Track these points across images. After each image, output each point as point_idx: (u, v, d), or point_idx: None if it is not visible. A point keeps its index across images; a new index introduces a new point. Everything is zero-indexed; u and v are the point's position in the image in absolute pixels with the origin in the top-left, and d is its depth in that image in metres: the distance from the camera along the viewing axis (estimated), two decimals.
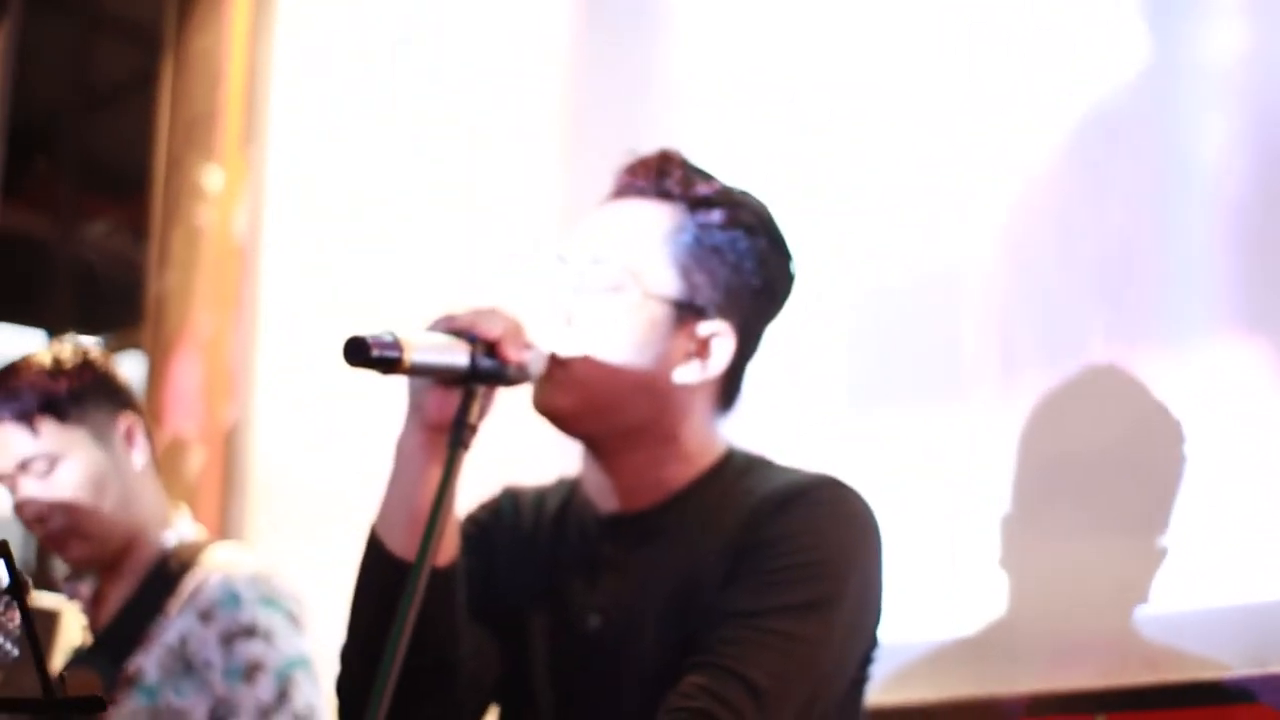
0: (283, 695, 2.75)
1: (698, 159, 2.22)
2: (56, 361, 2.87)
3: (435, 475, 1.94)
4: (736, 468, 2.18)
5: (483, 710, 2.20)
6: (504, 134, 3.98)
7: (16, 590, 2.39)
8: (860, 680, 2.18)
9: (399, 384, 2.04)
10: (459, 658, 2.07)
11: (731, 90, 3.41)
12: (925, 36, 3.08)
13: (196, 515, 4.51)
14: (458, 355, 1.96)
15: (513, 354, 1.98)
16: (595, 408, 2.11)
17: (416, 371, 1.93)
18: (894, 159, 3.09)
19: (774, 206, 2.23)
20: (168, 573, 2.88)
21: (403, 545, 2.00)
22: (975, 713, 2.71)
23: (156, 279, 5.01)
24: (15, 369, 2.87)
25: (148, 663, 2.81)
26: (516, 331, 2.00)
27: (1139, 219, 2.77)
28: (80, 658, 2.89)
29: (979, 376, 2.93)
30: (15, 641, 2.30)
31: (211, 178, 4.87)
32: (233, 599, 2.80)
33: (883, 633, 2.36)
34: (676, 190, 2.16)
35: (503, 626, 2.18)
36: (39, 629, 3.11)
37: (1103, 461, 2.69)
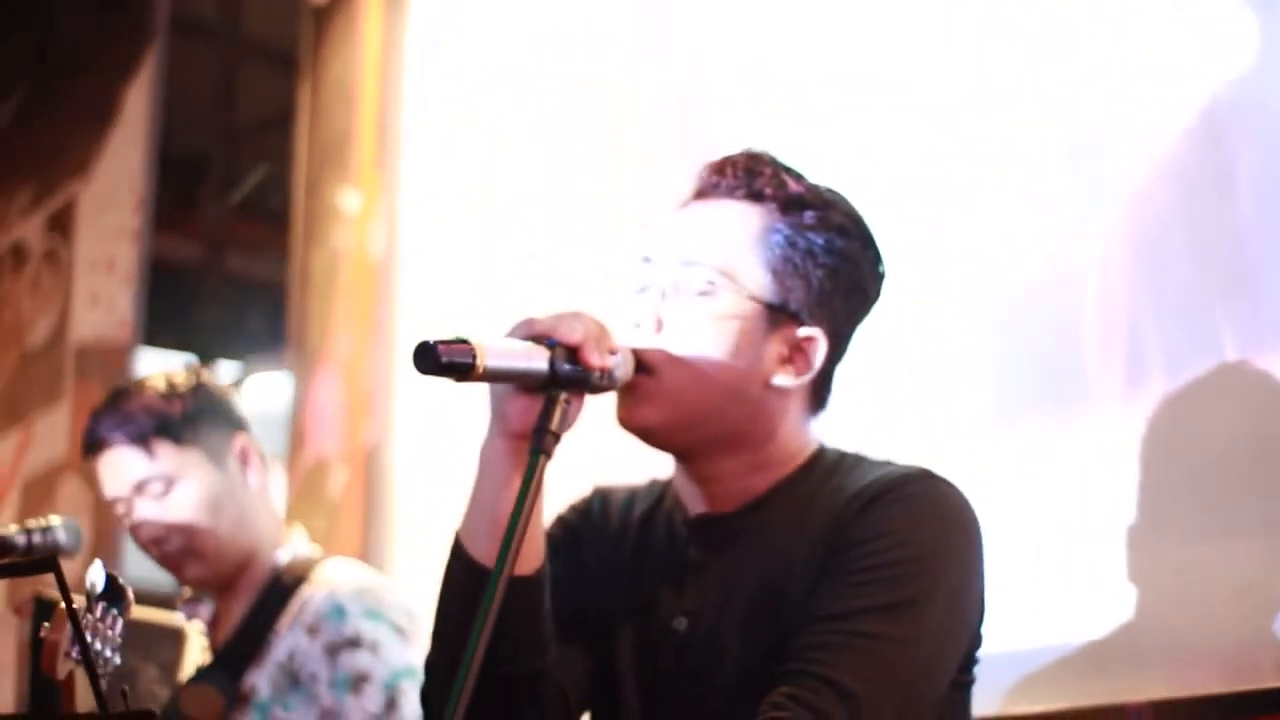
0: (390, 705, 2.75)
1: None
2: (170, 384, 2.91)
3: (518, 483, 1.90)
4: (826, 466, 2.12)
5: (573, 717, 2.15)
6: (635, 147, 3.96)
7: (115, 601, 2.43)
8: (963, 682, 2.10)
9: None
10: (546, 666, 2.03)
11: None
12: (1034, 22, 3.02)
13: (339, 534, 4.61)
14: (536, 361, 1.92)
15: (595, 359, 1.93)
16: (686, 420, 2.05)
17: (492, 377, 1.90)
18: (1012, 160, 3.02)
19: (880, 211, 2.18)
20: (280, 590, 2.90)
21: (486, 552, 1.97)
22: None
23: (298, 302, 5.07)
24: (129, 392, 2.92)
25: (260, 680, 2.83)
26: (600, 336, 1.95)
27: (1269, 213, 2.67)
28: (200, 675, 2.92)
29: (1104, 381, 2.84)
30: (116, 650, 2.33)
31: (348, 200, 4.92)
32: (338, 612, 2.81)
33: (1003, 638, 2.30)
34: (767, 190, 2.11)
35: (591, 631, 2.15)
36: (166, 644, 3.17)
37: (1227, 464, 2.59)
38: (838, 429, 2.23)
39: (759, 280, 2.07)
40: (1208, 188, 2.75)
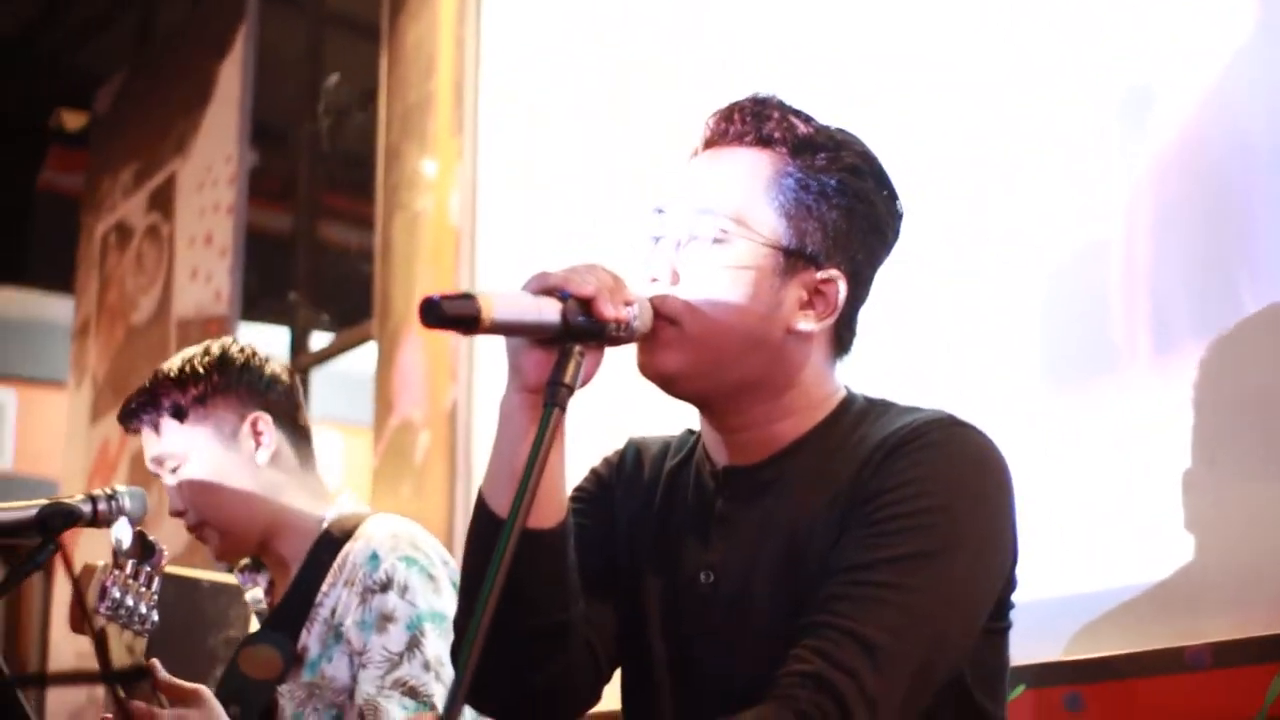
0: (412, 645, 2.77)
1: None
2: (182, 367, 2.98)
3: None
4: (853, 414, 2.08)
5: (602, 673, 2.13)
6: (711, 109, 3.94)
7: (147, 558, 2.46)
8: (997, 629, 2.06)
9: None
10: (572, 620, 2.02)
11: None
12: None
13: (425, 496, 4.65)
14: (548, 313, 1.91)
15: (609, 310, 1.91)
16: (706, 366, 2.03)
17: (500, 330, 1.89)
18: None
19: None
20: (328, 549, 2.93)
21: (505, 506, 1.96)
22: (1162, 663, 2.60)
23: (382, 269, 5.11)
24: (155, 375, 3.01)
25: (310, 640, 2.87)
26: (614, 287, 1.93)
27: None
28: (258, 636, 2.95)
29: (1148, 337, 2.81)
30: (153, 606, 2.37)
31: (427, 167, 4.95)
32: (373, 558, 2.84)
33: (1064, 583, 2.26)
34: (776, 134, 2.07)
35: (620, 586, 2.14)
36: (234, 604, 3.21)
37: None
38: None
39: (773, 225, 2.03)
40: (1224, 152, 2.72)
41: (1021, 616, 2.13)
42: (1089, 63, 2.97)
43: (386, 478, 4.87)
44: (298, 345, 6.08)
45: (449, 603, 2.81)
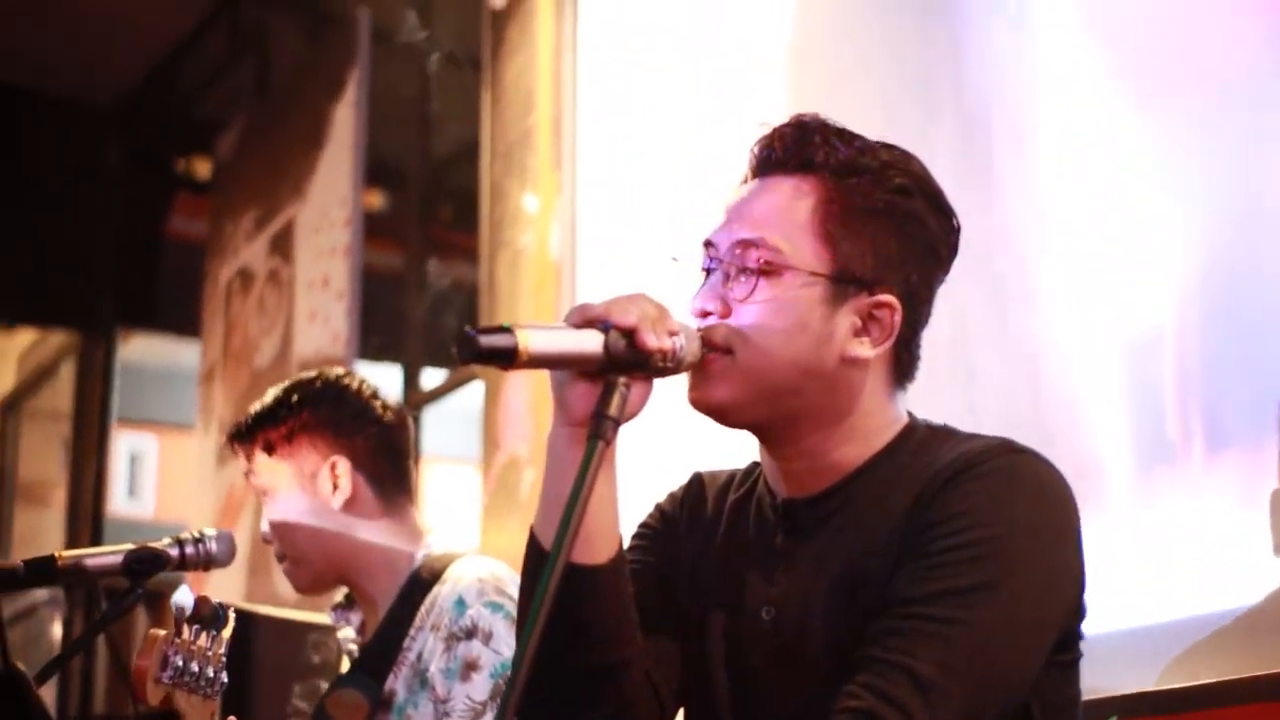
0: (496, 694, 2.75)
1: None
2: (278, 398, 3.00)
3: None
4: (914, 443, 2.03)
5: (666, 710, 2.09)
6: None
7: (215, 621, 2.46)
8: (1064, 661, 1.99)
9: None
10: (629, 657, 1.99)
11: None
12: None
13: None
14: (589, 345, 1.89)
15: (652, 341, 1.89)
16: (758, 395, 1.99)
17: (540, 364, 1.88)
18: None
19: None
20: (416, 592, 2.93)
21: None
22: (1254, 691, 2.52)
23: (487, 304, 5.12)
24: (256, 405, 3.04)
25: (398, 684, 2.87)
26: (658, 318, 1.91)
27: None
28: (345, 679, 2.95)
29: None
30: (220, 669, 2.36)
31: (528, 201, 4.95)
32: (459, 604, 2.83)
33: (1157, 611, 2.19)
34: (818, 158, 2.03)
35: (683, 620, 2.11)
36: (327, 647, 3.21)
37: None
38: None
39: (820, 252, 2.00)
40: None
41: (1110, 645, 2.07)
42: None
43: (495, 514, 4.87)
44: (410, 383, 6.11)
45: None
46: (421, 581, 2.94)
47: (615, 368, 1.90)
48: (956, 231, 2.09)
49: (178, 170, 8.51)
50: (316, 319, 6.37)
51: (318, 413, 2.99)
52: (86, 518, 8.22)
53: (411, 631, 2.89)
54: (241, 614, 3.08)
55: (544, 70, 4.94)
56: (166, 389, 9.42)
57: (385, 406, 3.06)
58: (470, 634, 2.79)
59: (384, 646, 2.91)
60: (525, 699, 1.72)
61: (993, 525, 1.88)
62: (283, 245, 6.82)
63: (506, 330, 1.83)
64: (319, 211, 6.50)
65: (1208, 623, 2.67)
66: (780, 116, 3.45)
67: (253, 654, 3.45)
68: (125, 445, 9.45)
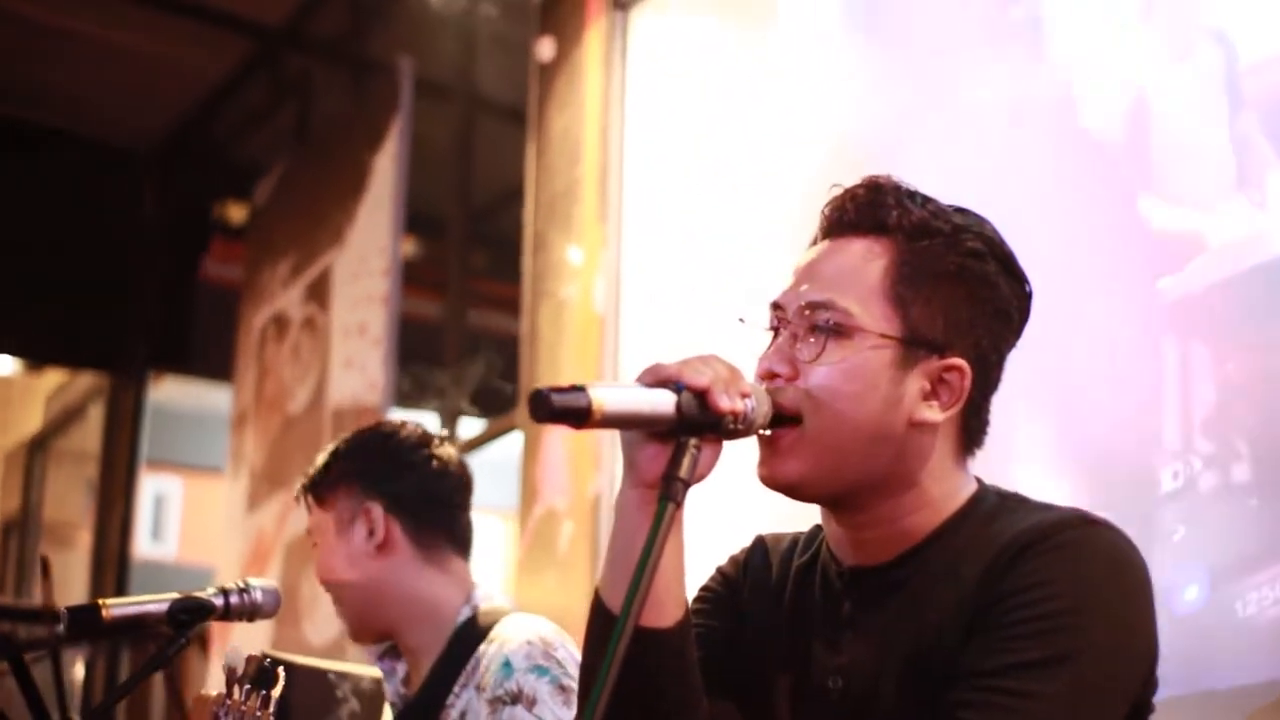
0: None
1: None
2: (330, 449, 2.99)
3: None
4: (984, 512, 2.00)
5: None
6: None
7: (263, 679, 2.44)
8: None
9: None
10: None
11: None
12: None
13: (568, 586, 4.60)
14: (661, 406, 1.86)
15: (724, 402, 1.86)
16: (829, 467, 1.96)
17: (612, 424, 1.85)
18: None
19: None
20: (462, 648, 2.90)
21: (622, 604, 1.91)
22: None
23: (529, 355, 5.10)
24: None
25: None
26: (730, 379, 1.88)
27: None
28: None
29: None
30: None
31: (572, 253, 4.94)
32: (505, 667, 2.79)
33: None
34: (890, 220, 2.01)
35: (747, 686, 2.07)
36: (373, 697, 3.19)
37: None
38: None
39: (891, 315, 1.97)
40: None
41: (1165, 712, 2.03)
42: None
43: (531, 567, 4.84)
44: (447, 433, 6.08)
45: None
46: (467, 638, 2.91)
47: (687, 429, 1.87)
48: (1029, 296, 2.06)
49: (213, 215, 8.52)
50: (353, 366, 6.36)
51: (354, 461, 2.99)
52: (112, 560, 8.21)
53: (456, 689, 2.86)
54: (276, 662, 3.06)
55: (591, 123, 4.94)
56: (194, 432, 9.43)
57: (433, 455, 3.03)
58: (515, 699, 2.76)
59: (427, 702, 2.88)
60: None
61: (1066, 598, 1.86)
62: (319, 292, 6.82)
63: (580, 390, 1.81)
64: (357, 259, 6.49)
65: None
66: (824, 173, 3.45)
67: (289, 702, 3.43)
68: (150, 487, 9.44)
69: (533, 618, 2.95)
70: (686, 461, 1.85)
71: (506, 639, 2.85)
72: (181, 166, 8.24)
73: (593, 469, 4.66)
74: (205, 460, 9.46)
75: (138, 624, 2.72)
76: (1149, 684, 1.96)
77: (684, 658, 1.95)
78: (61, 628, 2.66)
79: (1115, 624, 1.89)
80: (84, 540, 8.76)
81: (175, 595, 2.74)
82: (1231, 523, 2.86)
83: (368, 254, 6.41)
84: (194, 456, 9.68)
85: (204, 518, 9.50)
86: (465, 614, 2.94)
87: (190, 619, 2.73)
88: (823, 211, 2.09)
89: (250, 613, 2.80)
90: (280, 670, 2.50)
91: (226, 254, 8.32)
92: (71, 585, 8.73)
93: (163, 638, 2.73)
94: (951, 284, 1.99)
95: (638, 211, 4.73)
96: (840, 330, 1.97)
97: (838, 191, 2.09)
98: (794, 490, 2.00)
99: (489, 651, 2.85)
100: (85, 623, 2.70)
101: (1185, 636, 2.76)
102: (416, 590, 2.96)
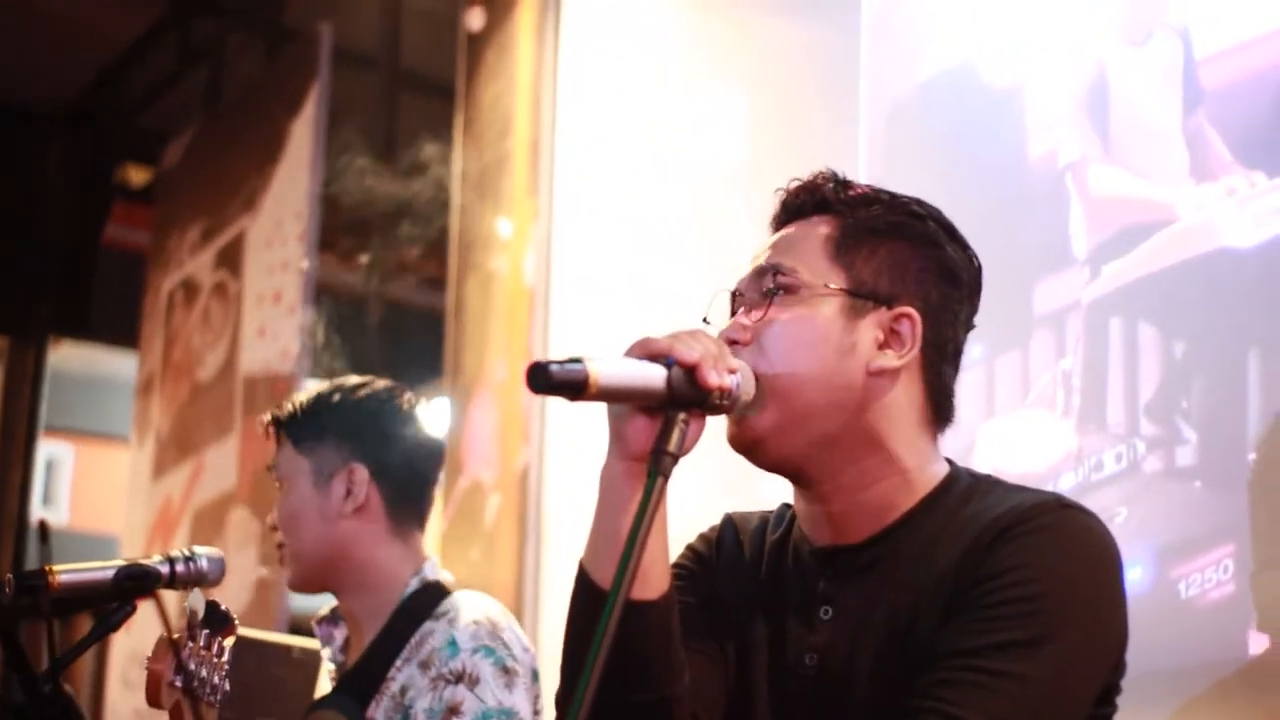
0: None
1: None
2: (321, 394, 2.97)
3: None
4: (958, 493, 2.04)
5: None
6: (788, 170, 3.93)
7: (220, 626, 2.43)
8: (1102, 716, 2.00)
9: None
10: (678, 694, 1.97)
11: None
12: None
13: (494, 559, 4.59)
14: (653, 380, 1.87)
15: (713, 378, 1.88)
16: (792, 420, 1.99)
17: (606, 397, 1.86)
18: None
19: None
20: (407, 621, 2.89)
21: (609, 577, 1.91)
22: None
23: (455, 328, 5.08)
24: (307, 394, 3.02)
25: (378, 713, 2.82)
26: (719, 355, 1.91)
27: None
28: (327, 701, 2.90)
29: None
30: (225, 676, 2.32)
31: (501, 227, 4.92)
32: (451, 646, 2.80)
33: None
34: (830, 198, 2.09)
35: (725, 659, 2.09)
36: (306, 668, 3.17)
37: None
38: None
39: (837, 271, 2.04)
40: None
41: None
42: None
43: (456, 540, 4.83)
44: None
45: (520, 698, 2.79)
46: (412, 612, 2.90)
47: (675, 403, 1.88)
48: (977, 267, 2.12)
49: (118, 179, 8.40)
50: (265, 334, 6.30)
51: (347, 419, 2.96)
52: (10, 525, 8.09)
53: (398, 662, 2.85)
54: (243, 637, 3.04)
55: (523, 94, 4.93)
56: (91, 398, 9.31)
57: (421, 428, 3.03)
58: (459, 678, 2.76)
59: (367, 672, 2.87)
60: None
61: (1044, 580, 1.90)
62: (231, 258, 6.74)
63: (578, 362, 1.82)
64: (272, 225, 6.43)
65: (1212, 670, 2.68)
66: (760, 145, 3.46)
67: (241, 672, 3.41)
68: (41, 453, 9.31)
69: (481, 596, 2.95)
70: (675, 435, 1.87)
71: (454, 618, 2.84)
72: (87, 129, 8.11)
73: (521, 441, 4.65)
74: (100, 426, 9.35)
75: (86, 594, 2.69)
76: (1119, 667, 2.01)
77: (668, 630, 1.97)
78: (8, 593, 2.62)
79: (1091, 607, 1.93)
80: None
81: (120, 562, 2.70)
82: (1175, 505, 2.91)
83: (283, 220, 6.35)
84: (89, 422, 9.56)
85: (97, 484, 9.40)
86: (413, 586, 2.93)
87: (135, 586, 2.70)
88: (774, 209, 2.16)
89: (196, 580, 2.77)
90: (235, 618, 2.49)
91: (129, 218, 8.21)
92: None
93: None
94: (893, 239, 2.06)
95: (569, 184, 4.73)
96: (787, 289, 2.04)
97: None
98: (762, 446, 2.02)
99: (435, 628, 2.84)
100: (32, 592, 2.66)
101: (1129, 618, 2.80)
102: (376, 558, 2.95)
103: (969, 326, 2.13)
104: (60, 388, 8.69)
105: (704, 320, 2.13)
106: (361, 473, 2.95)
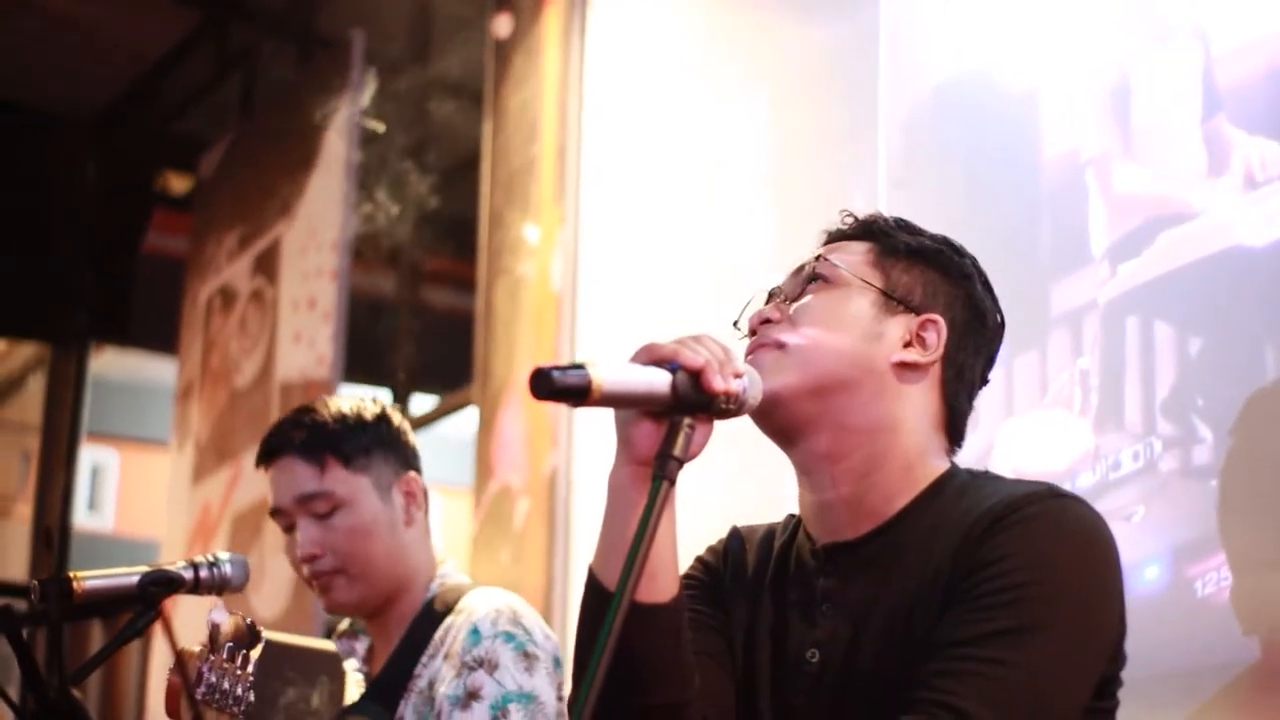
0: None
1: None
2: (356, 410, 2.96)
3: None
4: (955, 488, 2.06)
5: None
6: (813, 184, 3.95)
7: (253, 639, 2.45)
8: (1103, 708, 2.01)
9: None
10: (688, 699, 1.99)
11: None
12: None
13: (524, 563, 4.62)
14: (657, 385, 1.89)
15: (718, 383, 1.89)
16: (809, 383, 2.04)
17: (610, 402, 1.88)
18: None
19: None
20: (430, 621, 2.92)
21: (616, 581, 1.93)
22: None
23: (484, 333, 5.11)
24: (315, 407, 2.99)
25: (407, 711, 2.85)
26: (724, 359, 1.92)
27: None
28: (356, 707, 2.93)
29: None
30: (250, 688, 2.35)
31: (529, 231, 4.95)
32: (474, 634, 2.82)
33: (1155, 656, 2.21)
34: (879, 228, 2.18)
35: (732, 665, 2.11)
36: (328, 670, 3.20)
37: None
38: None
39: (874, 274, 2.12)
40: None
41: (1127, 693, 2.08)
42: None
43: (485, 544, 4.86)
44: (398, 408, 6.08)
45: (541, 682, 2.80)
46: (434, 611, 2.92)
47: (681, 408, 1.90)
48: (1001, 321, 2.20)
49: (156, 186, 8.47)
50: (301, 340, 6.34)
51: (384, 432, 2.98)
52: (52, 531, 8.15)
53: (423, 659, 2.88)
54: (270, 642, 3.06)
55: (549, 100, 4.95)
56: (132, 404, 9.37)
57: (414, 438, 3.08)
58: (480, 664, 2.79)
59: (395, 676, 2.89)
60: None
61: (1037, 568, 1.92)
62: (267, 265, 6.79)
63: (580, 368, 1.83)
64: (307, 232, 6.48)
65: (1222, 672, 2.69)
66: (786, 150, 3.45)
67: (264, 674, 3.42)
68: (87, 459, 9.37)
69: (498, 590, 2.98)
70: (680, 440, 1.88)
71: (474, 609, 2.87)
72: (124, 137, 8.17)
73: (549, 446, 4.68)
74: (143, 432, 9.41)
75: (110, 599, 2.71)
76: (1117, 656, 2.02)
77: (678, 633, 1.99)
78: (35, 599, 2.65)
79: (1083, 594, 1.95)
80: (21, 512, 8.69)
81: (145, 569, 2.73)
82: (1192, 504, 2.91)
83: (317, 227, 6.39)
84: (132, 428, 9.62)
85: (141, 490, 9.45)
86: (434, 590, 2.96)
87: (160, 592, 2.72)
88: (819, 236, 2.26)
89: (220, 586, 2.79)
90: (262, 631, 2.51)
91: (169, 225, 8.26)
92: (11, 558, 8.68)
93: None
94: (929, 264, 2.15)
95: (596, 190, 4.75)
96: (826, 279, 2.12)
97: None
98: (779, 404, 2.05)
99: (456, 623, 2.87)
100: (59, 596, 2.69)
101: (1144, 617, 2.81)
102: (417, 563, 2.98)
103: (986, 371, 2.18)
104: (103, 394, 8.75)
105: (734, 325, 2.18)
106: (418, 481, 2.98)
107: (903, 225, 2.19)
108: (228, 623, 2.50)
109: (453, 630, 2.86)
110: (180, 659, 2.40)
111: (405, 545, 2.95)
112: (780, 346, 2.06)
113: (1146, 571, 2.93)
